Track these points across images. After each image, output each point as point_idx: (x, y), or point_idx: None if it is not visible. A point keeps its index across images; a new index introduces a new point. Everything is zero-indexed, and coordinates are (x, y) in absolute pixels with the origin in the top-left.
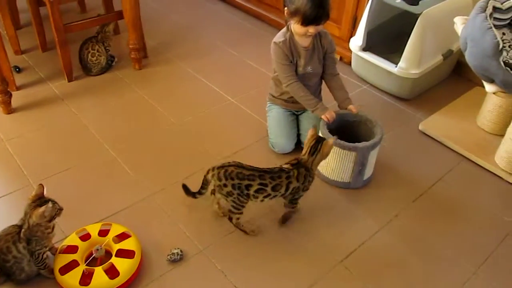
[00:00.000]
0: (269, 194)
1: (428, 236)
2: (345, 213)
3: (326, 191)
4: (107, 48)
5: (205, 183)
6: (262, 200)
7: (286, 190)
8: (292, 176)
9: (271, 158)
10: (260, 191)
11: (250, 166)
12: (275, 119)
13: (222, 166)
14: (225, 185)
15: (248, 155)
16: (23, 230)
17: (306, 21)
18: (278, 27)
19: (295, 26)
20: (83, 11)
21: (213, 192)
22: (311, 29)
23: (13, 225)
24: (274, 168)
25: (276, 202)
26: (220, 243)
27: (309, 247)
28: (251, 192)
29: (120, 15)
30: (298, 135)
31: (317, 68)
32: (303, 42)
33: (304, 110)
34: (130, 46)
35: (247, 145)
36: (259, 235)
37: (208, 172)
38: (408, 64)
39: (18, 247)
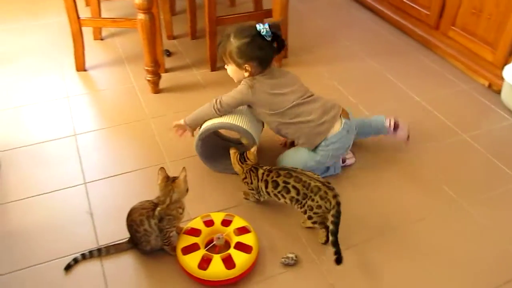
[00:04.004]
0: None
1: None
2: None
3: None
4: None
5: None
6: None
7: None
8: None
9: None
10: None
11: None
12: None
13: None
14: None
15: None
16: (159, 208)
17: None
18: (424, 44)
19: None
20: (232, 5)
21: None
22: None
23: (149, 201)
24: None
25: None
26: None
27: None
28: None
29: (268, 13)
30: None
31: None
32: None
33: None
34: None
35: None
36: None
37: None
38: None
39: (150, 223)
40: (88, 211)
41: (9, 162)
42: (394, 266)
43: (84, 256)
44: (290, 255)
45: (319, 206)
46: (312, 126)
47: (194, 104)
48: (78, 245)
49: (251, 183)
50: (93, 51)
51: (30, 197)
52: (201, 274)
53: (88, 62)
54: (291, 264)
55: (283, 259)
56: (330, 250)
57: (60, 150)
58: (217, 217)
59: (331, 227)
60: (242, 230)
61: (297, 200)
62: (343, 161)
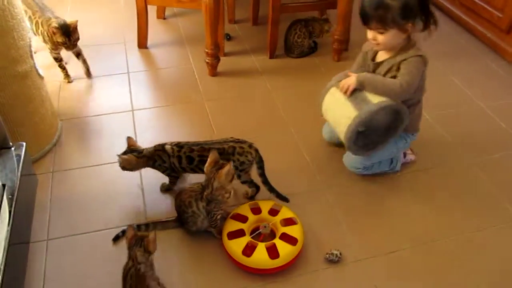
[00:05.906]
0: None
1: None
2: None
3: None
4: (312, 34)
5: None
6: None
7: None
8: None
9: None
10: None
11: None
12: None
13: None
14: None
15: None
16: (205, 193)
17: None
18: (493, 48)
19: None
20: None
21: None
22: (369, 34)
23: (198, 184)
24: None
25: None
26: (381, 259)
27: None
28: None
29: (333, 4)
30: None
31: None
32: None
33: None
34: (335, 36)
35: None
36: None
37: None
38: None
39: (198, 205)
40: (139, 185)
41: (69, 131)
42: (440, 270)
43: None
44: (335, 252)
45: (242, 163)
46: (420, 107)
47: (249, 90)
48: (127, 217)
49: (164, 162)
50: (155, 30)
51: (86, 166)
52: (244, 260)
53: (150, 40)
54: (335, 261)
55: (327, 255)
56: (376, 252)
57: (118, 124)
58: (265, 206)
59: (260, 178)
60: (289, 221)
61: None
62: (404, 155)
